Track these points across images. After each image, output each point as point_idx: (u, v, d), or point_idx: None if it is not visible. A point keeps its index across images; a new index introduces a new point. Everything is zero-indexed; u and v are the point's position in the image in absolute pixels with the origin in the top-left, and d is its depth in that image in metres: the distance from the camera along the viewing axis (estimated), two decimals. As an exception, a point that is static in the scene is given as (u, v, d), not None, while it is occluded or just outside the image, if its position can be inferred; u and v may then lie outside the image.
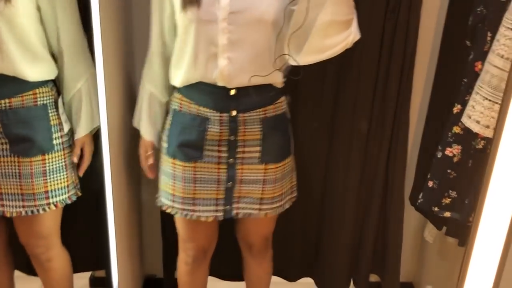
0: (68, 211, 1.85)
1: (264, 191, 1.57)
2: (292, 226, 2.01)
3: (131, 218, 1.93)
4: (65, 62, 1.50)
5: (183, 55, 1.45)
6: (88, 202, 1.67)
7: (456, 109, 1.54)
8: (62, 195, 1.54)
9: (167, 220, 1.98)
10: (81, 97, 1.54)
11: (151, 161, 1.65)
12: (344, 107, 1.87)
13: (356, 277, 2.12)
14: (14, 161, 1.46)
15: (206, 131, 1.49)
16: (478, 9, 1.49)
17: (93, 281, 2.11)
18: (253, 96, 1.48)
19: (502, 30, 1.36)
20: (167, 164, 1.56)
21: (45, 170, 1.49)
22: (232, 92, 1.45)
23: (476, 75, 1.48)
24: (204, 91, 1.47)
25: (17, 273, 1.83)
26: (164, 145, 1.57)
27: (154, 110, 1.60)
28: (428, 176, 1.62)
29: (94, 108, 1.55)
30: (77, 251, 1.92)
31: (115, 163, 1.62)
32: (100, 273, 2.09)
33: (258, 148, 1.53)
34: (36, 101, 1.46)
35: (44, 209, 1.51)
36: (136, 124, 1.65)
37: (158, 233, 2.04)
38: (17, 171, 1.46)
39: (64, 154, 1.53)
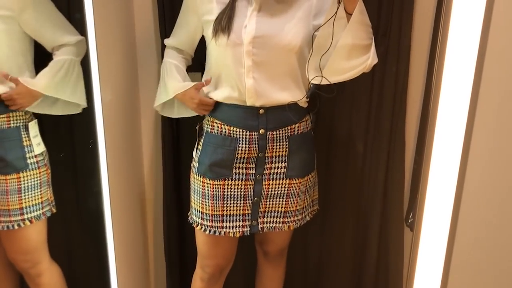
0: (78, 233, 1.92)
1: (287, 204, 1.65)
2: (293, 251, 2.03)
3: (134, 242, 1.99)
4: (54, 50, 1.60)
5: (216, 74, 1.57)
6: (94, 224, 1.73)
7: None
8: (36, 211, 1.61)
9: (171, 243, 2.05)
10: (51, 64, 1.59)
11: (207, 99, 1.60)
12: (339, 130, 1.91)
13: (360, 301, 2.11)
14: None
15: (237, 150, 1.57)
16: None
17: (102, 303, 2.16)
18: (280, 115, 1.57)
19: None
20: (196, 183, 1.64)
21: (20, 187, 1.57)
22: (261, 111, 1.55)
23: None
24: (234, 111, 1.57)
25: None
26: (195, 164, 1.65)
27: (181, 71, 1.66)
28: (417, 196, 1.63)
29: (59, 79, 1.59)
30: (86, 273, 2.00)
31: (114, 186, 1.69)
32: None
33: (284, 164, 1.61)
34: (10, 123, 1.56)
35: (19, 225, 1.59)
36: (169, 94, 1.64)
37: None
38: None
39: (39, 173, 1.61)
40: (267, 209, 1.65)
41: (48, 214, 1.66)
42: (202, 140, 1.64)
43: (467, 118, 0.92)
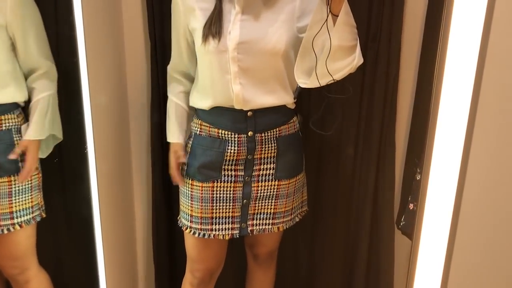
0: (66, 239, 1.88)
1: (276, 205, 1.65)
2: (283, 258, 2.03)
3: (123, 247, 1.96)
4: (32, 81, 1.59)
5: (204, 82, 1.56)
6: (82, 230, 1.72)
7: (432, 132, 1.56)
8: (26, 215, 1.59)
9: (160, 248, 2.03)
10: (37, 105, 1.58)
11: (182, 159, 1.64)
12: (330, 134, 1.91)
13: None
14: None
15: (226, 152, 1.57)
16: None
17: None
18: (268, 117, 1.57)
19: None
20: (185, 185, 1.63)
21: (11, 191, 1.54)
22: (249, 114, 1.55)
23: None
24: (222, 114, 1.56)
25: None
26: (184, 167, 1.64)
27: (179, 115, 1.67)
28: (409, 199, 1.63)
29: (48, 120, 1.60)
30: (74, 279, 1.96)
31: (103, 190, 1.66)
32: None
33: (272, 166, 1.61)
34: (2, 126, 1.54)
35: (8, 229, 1.56)
36: (169, 138, 1.68)
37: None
38: None
39: (30, 176, 1.59)
40: (256, 211, 1.64)
41: (38, 218, 1.63)
42: (190, 142, 1.64)
43: (467, 123, 0.93)
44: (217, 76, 1.51)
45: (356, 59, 1.42)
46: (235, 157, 1.58)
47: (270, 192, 1.63)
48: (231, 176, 1.59)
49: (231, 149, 1.57)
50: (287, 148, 1.63)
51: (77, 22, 1.48)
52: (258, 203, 1.63)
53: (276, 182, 1.62)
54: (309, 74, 1.45)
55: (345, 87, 1.62)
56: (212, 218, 1.61)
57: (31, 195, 1.59)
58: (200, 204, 1.60)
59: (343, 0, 1.31)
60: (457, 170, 0.97)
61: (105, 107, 1.71)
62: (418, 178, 1.61)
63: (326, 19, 1.34)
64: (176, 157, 1.65)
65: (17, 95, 1.57)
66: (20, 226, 1.58)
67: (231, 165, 1.59)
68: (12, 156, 1.54)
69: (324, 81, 1.44)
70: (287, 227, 1.70)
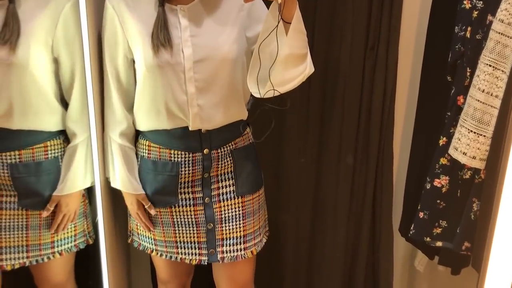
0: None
1: (245, 226, 1.54)
2: (283, 262, 2.02)
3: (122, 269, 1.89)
4: (69, 116, 1.45)
5: (151, 102, 1.42)
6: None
7: (442, 141, 1.61)
8: (68, 243, 1.51)
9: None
10: (75, 153, 1.46)
11: (153, 212, 1.51)
12: (329, 142, 1.93)
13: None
14: (22, 214, 1.43)
15: (180, 175, 1.47)
16: (456, 47, 1.58)
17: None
18: (223, 132, 1.48)
19: (481, 66, 1.44)
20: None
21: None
22: (203, 131, 1.45)
23: (459, 108, 1.55)
24: (174, 134, 1.45)
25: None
26: None
27: (131, 161, 1.50)
28: (418, 207, 1.66)
29: (83, 170, 1.48)
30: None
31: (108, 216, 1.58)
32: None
33: (231, 182, 1.52)
34: (47, 154, 1.43)
35: (48, 257, 1.48)
36: (116, 183, 1.50)
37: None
38: (24, 223, 1.43)
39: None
40: (224, 236, 1.53)
41: (82, 246, 1.55)
42: (138, 166, 1.51)
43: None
44: (170, 96, 1.40)
45: (308, 68, 1.37)
46: (190, 178, 1.48)
47: (236, 211, 1.53)
48: (190, 200, 1.49)
49: (185, 171, 1.46)
50: (244, 160, 1.54)
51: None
52: (225, 226, 1.52)
53: (240, 200, 1.53)
54: (262, 83, 1.35)
55: (284, 99, 1.48)
56: (176, 242, 1.53)
57: (74, 224, 1.51)
58: (161, 228, 1.52)
59: (295, 6, 1.25)
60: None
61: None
62: (428, 187, 1.65)
63: (277, 25, 1.26)
64: (141, 208, 1.51)
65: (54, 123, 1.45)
66: (60, 254, 1.50)
67: (187, 187, 1.49)
68: (44, 214, 1.44)
69: (280, 90, 1.34)
70: (259, 249, 1.59)
